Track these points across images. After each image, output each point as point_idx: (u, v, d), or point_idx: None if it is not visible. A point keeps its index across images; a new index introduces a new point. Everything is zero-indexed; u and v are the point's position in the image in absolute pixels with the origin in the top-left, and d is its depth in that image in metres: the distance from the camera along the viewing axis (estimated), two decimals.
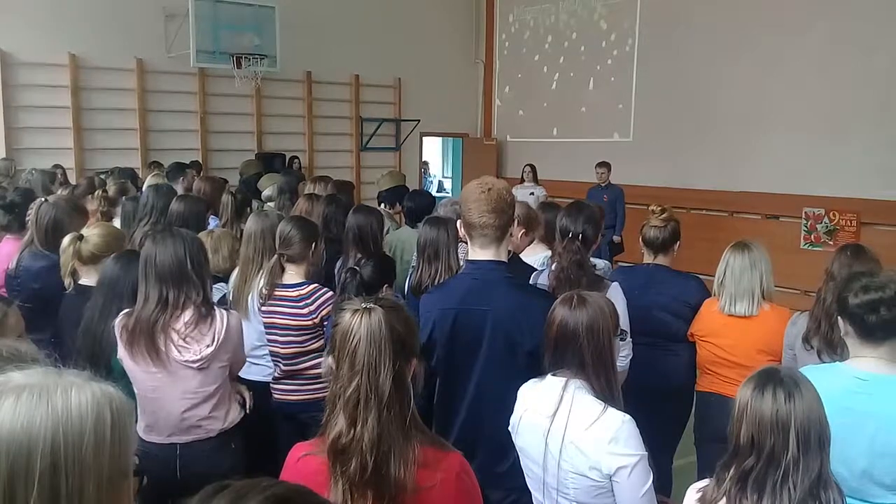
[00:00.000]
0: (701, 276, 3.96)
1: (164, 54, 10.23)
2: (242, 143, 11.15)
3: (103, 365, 2.86)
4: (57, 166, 8.26)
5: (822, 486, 1.81)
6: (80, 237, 3.48)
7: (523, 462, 2.37)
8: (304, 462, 1.83)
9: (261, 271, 3.63)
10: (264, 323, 3.55)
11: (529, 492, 2.39)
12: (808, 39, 8.95)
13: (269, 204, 6.49)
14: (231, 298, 3.74)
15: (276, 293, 3.48)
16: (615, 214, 9.41)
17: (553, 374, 2.26)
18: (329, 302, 3.41)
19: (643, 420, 2.19)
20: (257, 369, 3.70)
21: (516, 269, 3.28)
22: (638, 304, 3.40)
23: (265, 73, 10.39)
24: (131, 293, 2.98)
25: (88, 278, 3.42)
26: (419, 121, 12.74)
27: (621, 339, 2.37)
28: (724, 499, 1.88)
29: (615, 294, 3.09)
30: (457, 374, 2.62)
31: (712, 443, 3.32)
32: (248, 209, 5.37)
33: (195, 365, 2.84)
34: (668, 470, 3.88)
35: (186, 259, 2.84)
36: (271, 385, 3.59)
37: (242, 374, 3.42)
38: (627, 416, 2.14)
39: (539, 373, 2.33)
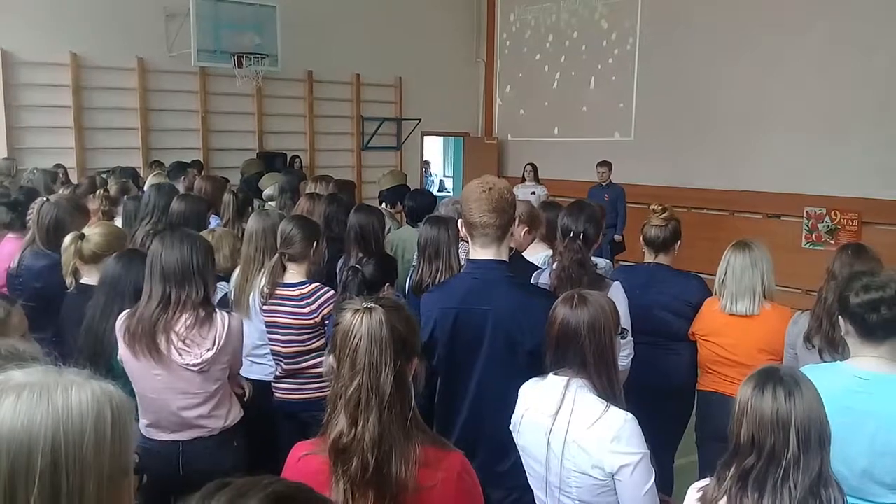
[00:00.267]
0: (702, 276, 3.96)
1: (166, 53, 10.24)
2: (244, 142, 11.16)
3: (104, 364, 2.87)
4: (58, 166, 8.28)
5: (822, 485, 1.81)
6: (82, 236, 3.48)
7: (525, 461, 2.37)
8: (305, 461, 1.83)
9: (262, 270, 3.63)
10: (265, 322, 3.55)
11: (531, 491, 2.39)
12: (808, 39, 8.95)
13: (270, 203, 6.49)
14: (232, 297, 3.74)
15: (278, 292, 3.48)
16: (616, 213, 9.41)
17: (555, 373, 2.26)
18: (330, 301, 3.41)
19: (644, 419, 2.19)
20: (259, 368, 3.71)
21: (519, 267, 3.28)
22: (639, 304, 3.40)
23: (266, 73, 10.39)
24: (133, 292, 2.99)
25: (90, 277, 3.42)
26: (420, 120, 12.74)
27: (622, 338, 2.37)
28: (725, 498, 1.88)
29: (616, 293, 3.09)
30: (458, 374, 2.62)
31: (713, 442, 3.32)
32: (250, 208, 5.36)
33: (196, 368, 2.84)
34: (670, 469, 3.89)
35: (192, 260, 2.85)
36: (272, 384, 3.59)
37: (244, 373, 3.43)
38: (630, 415, 2.14)
39: (540, 372, 2.34)
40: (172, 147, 10.20)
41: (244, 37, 10.14)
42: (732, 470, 1.88)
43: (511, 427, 2.36)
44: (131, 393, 2.80)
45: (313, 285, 3.49)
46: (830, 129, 8.76)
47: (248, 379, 3.47)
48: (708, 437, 3.67)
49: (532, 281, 3.29)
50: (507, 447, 2.43)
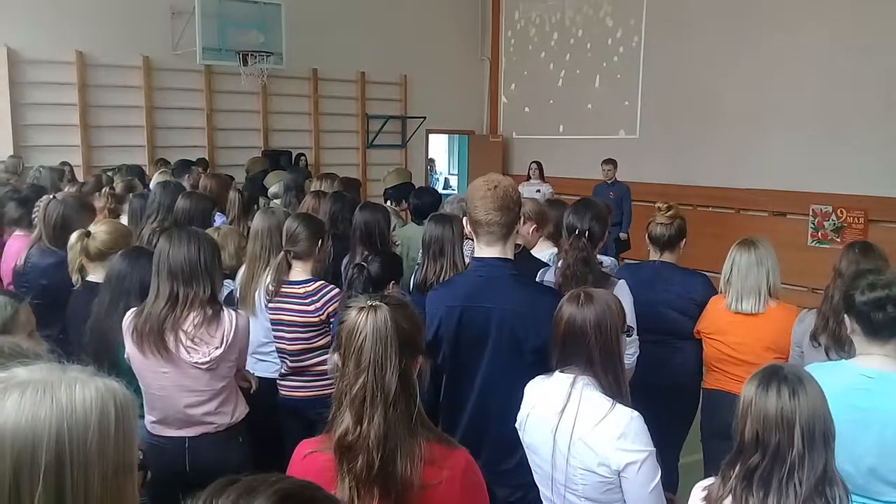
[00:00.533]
0: (707, 274, 3.96)
1: (171, 52, 10.25)
2: (249, 140, 11.18)
3: (109, 360, 2.87)
4: (64, 163, 8.30)
5: (827, 483, 1.80)
6: (88, 234, 3.49)
7: (531, 458, 2.37)
8: (310, 459, 1.83)
9: (268, 268, 3.64)
10: (271, 319, 3.56)
11: (536, 488, 2.39)
12: (806, 39, 8.93)
13: (275, 201, 6.49)
14: (238, 295, 3.75)
15: (283, 290, 3.49)
16: (621, 211, 9.40)
17: (561, 371, 2.26)
18: (336, 298, 3.42)
19: (650, 417, 2.19)
20: (264, 366, 3.71)
21: (527, 264, 3.28)
22: (644, 301, 3.39)
23: (271, 71, 10.39)
24: (138, 290, 3.00)
25: (96, 275, 3.43)
26: (425, 118, 12.74)
27: (627, 335, 2.37)
28: (730, 497, 1.87)
29: (622, 291, 3.08)
30: (463, 371, 2.62)
31: (719, 440, 3.32)
32: (255, 206, 5.37)
33: (204, 367, 2.85)
34: (675, 467, 3.88)
35: (199, 258, 2.86)
36: (278, 381, 3.60)
37: (249, 370, 3.43)
38: (636, 413, 2.14)
39: (545, 369, 2.33)
40: (178, 145, 10.24)
41: (249, 35, 10.15)
42: (737, 468, 1.88)
43: (517, 425, 2.36)
44: (136, 390, 2.81)
45: (318, 283, 3.50)
46: (837, 126, 8.72)
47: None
48: (713, 436, 3.66)
49: (537, 279, 3.28)
50: (512, 445, 2.43)
